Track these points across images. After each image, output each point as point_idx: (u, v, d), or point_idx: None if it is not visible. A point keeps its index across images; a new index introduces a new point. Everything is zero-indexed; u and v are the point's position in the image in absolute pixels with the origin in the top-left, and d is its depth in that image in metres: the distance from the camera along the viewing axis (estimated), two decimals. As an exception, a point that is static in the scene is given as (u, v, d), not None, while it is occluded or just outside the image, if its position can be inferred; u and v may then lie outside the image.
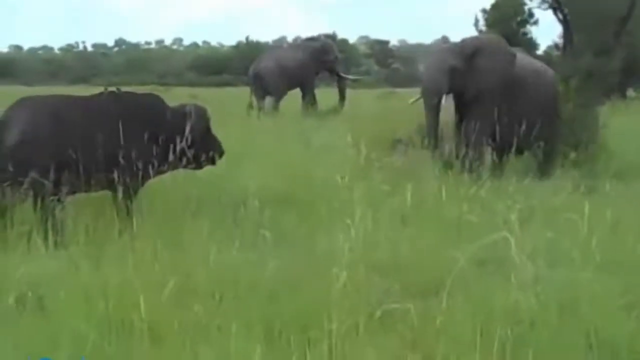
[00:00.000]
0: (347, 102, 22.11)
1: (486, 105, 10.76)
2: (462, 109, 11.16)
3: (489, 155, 10.85)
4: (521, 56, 11.71)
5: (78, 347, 4.23)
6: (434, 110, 11.02)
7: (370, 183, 7.81)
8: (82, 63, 74.45)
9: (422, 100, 11.54)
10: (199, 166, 8.06)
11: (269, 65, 21.71)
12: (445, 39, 13.11)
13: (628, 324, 4.74)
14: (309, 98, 21.84)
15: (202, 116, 8.01)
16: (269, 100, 21.38)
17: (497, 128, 10.46)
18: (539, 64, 12.11)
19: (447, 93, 11.07)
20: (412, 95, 12.72)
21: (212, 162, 8.17)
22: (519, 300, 4.59)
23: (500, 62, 11.05)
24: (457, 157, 10.16)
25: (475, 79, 10.90)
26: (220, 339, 4.34)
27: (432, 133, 11.02)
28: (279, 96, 21.61)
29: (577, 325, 4.63)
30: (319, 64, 22.15)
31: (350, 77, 25.80)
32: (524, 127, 10.27)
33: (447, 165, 9.94)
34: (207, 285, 5.07)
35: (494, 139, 10.76)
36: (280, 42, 66.44)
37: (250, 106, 20.85)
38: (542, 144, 10.92)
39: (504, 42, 11.61)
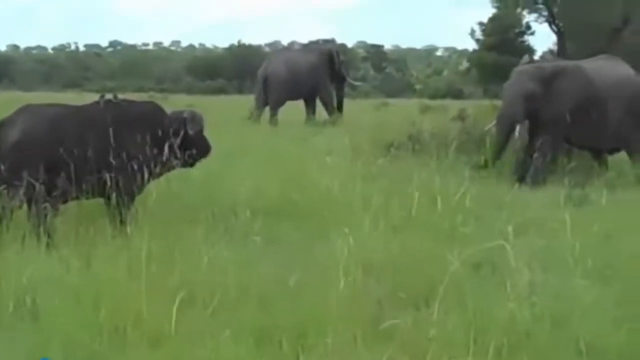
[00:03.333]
0: (344, 112, 20.74)
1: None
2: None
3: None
4: (603, 64, 12.01)
5: (69, 352, 4.22)
6: (505, 135, 11.36)
7: (364, 190, 7.84)
8: (75, 64, 74.45)
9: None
10: (192, 165, 8.20)
11: (279, 69, 20.05)
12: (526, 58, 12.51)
13: (618, 337, 4.74)
14: (330, 108, 20.15)
15: (198, 121, 8.11)
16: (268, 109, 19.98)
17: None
18: (620, 73, 12.04)
19: (524, 120, 11.40)
20: (405, 107, 13.01)
21: (202, 159, 8.24)
22: (514, 311, 4.61)
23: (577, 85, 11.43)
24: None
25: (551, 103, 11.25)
26: (215, 345, 4.32)
27: (496, 154, 11.28)
28: (278, 105, 20.05)
29: (569, 336, 4.64)
30: (332, 69, 20.37)
31: (355, 82, 24.77)
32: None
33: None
34: (202, 290, 5.04)
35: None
36: (274, 46, 66.20)
37: (260, 115, 19.56)
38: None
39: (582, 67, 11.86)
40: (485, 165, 11.10)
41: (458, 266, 4.80)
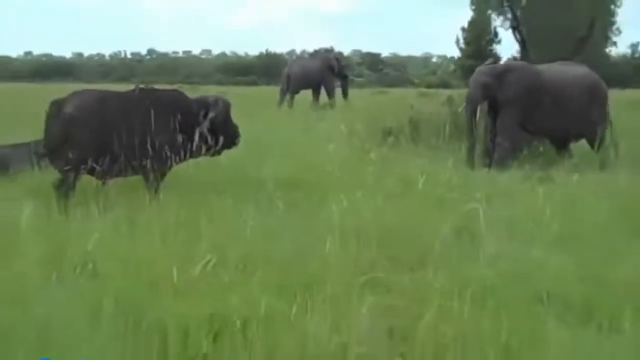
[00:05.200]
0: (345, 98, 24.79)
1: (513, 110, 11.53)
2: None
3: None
4: (560, 67, 12.23)
5: (120, 300, 4.24)
6: (472, 113, 11.65)
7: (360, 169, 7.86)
8: (124, 66, 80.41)
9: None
10: (219, 152, 7.92)
11: (297, 70, 25.03)
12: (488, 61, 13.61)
13: (580, 288, 4.76)
14: (331, 97, 24.57)
15: (222, 106, 7.87)
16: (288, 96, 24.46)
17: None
18: (575, 71, 12.16)
19: (482, 102, 11.66)
20: (403, 94, 13.12)
21: (230, 147, 8.01)
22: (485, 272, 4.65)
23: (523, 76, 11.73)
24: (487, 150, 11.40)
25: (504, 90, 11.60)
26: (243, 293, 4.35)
27: (469, 133, 11.64)
28: (295, 92, 24.58)
29: (532, 287, 4.67)
30: (332, 70, 24.83)
31: (355, 78, 30.78)
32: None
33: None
34: (232, 255, 5.04)
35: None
36: (291, 55, 74.80)
37: (283, 102, 24.01)
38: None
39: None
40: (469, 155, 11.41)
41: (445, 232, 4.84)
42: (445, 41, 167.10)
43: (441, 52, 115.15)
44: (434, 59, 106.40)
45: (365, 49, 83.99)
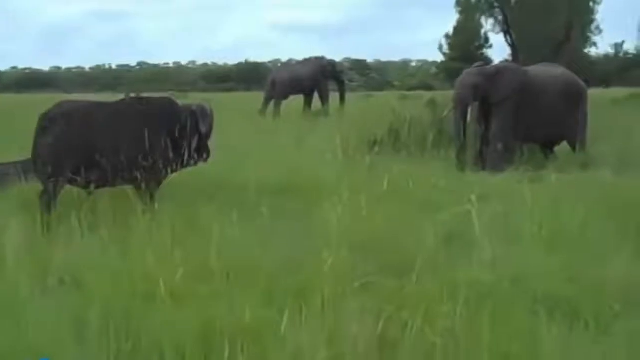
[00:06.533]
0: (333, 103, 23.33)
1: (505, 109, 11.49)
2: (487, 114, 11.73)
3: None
4: (542, 68, 12.46)
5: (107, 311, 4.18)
6: (462, 117, 11.63)
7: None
8: (109, 76, 78.49)
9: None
10: (195, 163, 7.71)
11: (283, 75, 23.74)
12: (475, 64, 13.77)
13: (569, 290, 4.75)
14: (325, 102, 23.04)
15: (208, 114, 7.70)
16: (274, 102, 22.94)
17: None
18: (557, 73, 12.31)
19: (473, 103, 11.68)
20: (385, 97, 13.14)
21: (205, 160, 7.78)
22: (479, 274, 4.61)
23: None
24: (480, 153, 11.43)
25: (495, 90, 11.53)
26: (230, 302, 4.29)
27: (459, 135, 11.57)
28: (282, 98, 22.96)
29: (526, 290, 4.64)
30: (325, 75, 23.35)
31: (350, 82, 30.23)
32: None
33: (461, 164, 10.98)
34: (219, 265, 4.94)
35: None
36: (275, 63, 72.84)
37: (266, 109, 22.62)
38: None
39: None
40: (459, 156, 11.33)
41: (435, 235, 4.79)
42: (423, 47, 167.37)
43: (420, 57, 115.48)
44: (413, 64, 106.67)
45: (353, 56, 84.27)
